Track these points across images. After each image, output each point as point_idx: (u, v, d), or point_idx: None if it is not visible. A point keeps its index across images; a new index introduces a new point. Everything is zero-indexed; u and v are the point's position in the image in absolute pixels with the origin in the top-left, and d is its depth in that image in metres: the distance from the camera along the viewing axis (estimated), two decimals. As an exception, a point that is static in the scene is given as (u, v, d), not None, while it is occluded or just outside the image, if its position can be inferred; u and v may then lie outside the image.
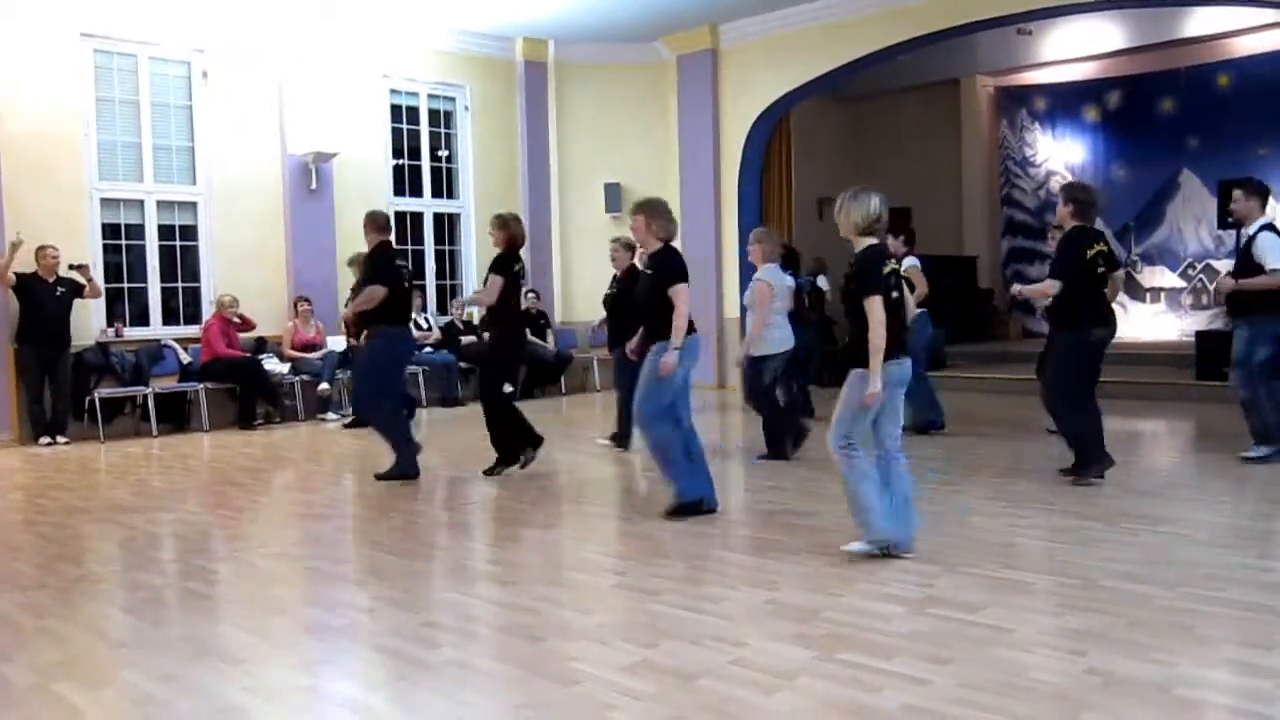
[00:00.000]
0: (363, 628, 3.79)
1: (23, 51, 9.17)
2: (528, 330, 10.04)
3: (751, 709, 2.92)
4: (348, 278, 9.89)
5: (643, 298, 5.43)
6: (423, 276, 12.20)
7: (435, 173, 12.31)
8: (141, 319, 10.08)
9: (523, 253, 6.88)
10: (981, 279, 15.32)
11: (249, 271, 10.49)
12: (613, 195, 12.87)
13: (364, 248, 7.24)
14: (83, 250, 9.41)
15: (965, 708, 2.88)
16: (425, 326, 11.38)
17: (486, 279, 6.75)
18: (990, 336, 14.86)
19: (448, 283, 12.49)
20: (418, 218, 12.15)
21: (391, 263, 6.76)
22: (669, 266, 5.31)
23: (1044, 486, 6.04)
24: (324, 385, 10.27)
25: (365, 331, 7.12)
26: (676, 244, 5.50)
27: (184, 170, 10.33)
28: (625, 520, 5.50)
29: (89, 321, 9.52)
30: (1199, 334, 11.06)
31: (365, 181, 11.38)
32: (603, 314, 8.61)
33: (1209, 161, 13.27)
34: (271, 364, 10.27)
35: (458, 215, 12.51)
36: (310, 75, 10.79)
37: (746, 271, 10.79)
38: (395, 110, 11.86)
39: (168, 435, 9.51)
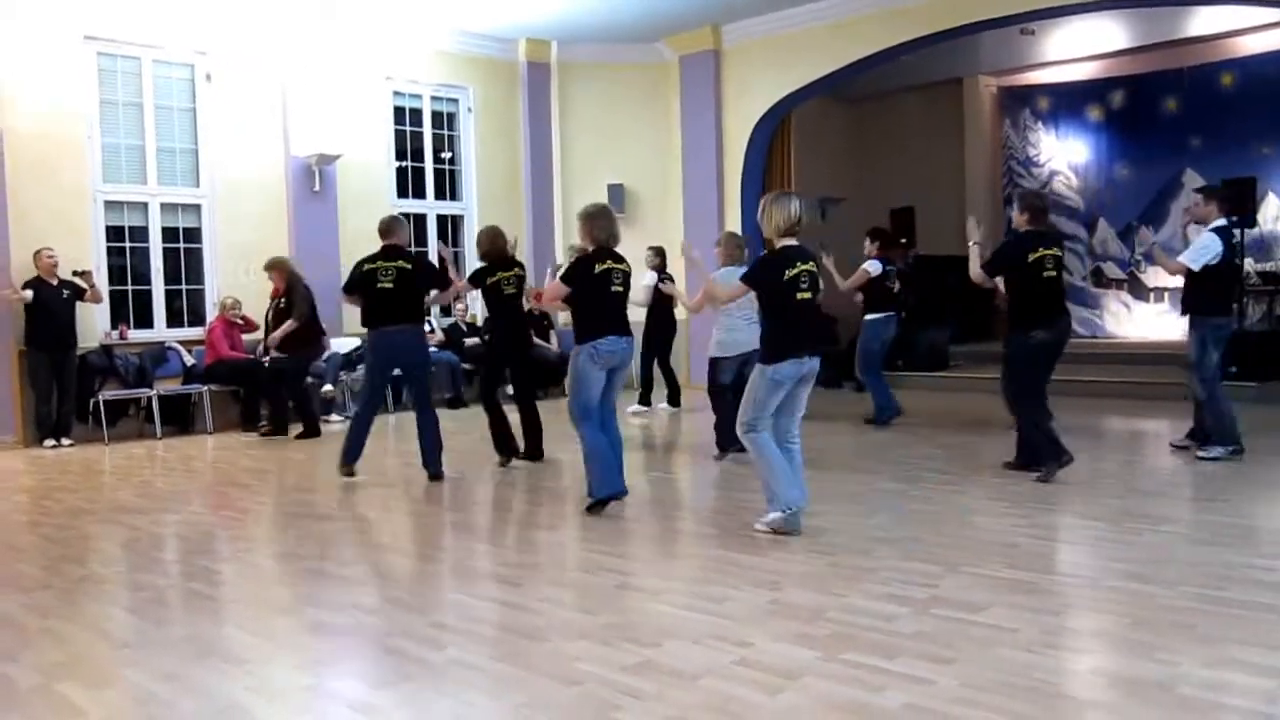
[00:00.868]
0: (366, 628, 3.79)
1: (26, 54, 9.19)
2: (532, 333, 10.11)
3: (755, 709, 2.92)
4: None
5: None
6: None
7: (438, 174, 12.32)
8: (145, 321, 10.10)
9: (524, 255, 6.93)
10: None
11: (252, 273, 10.49)
12: (615, 196, 12.86)
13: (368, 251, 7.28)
14: (86, 253, 9.43)
15: (968, 708, 2.87)
16: (429, 329, 11.37)
17: None
18: (992, 336, 14.82)
19: (451, 284, 12.48)
20: (421, 219, 12.15)
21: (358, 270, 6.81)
22: (570, 266, 5.73)
23: (1045, 486, 6.03)
24: (328, 387, 10.27)
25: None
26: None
27: (187, 173, 10.35)
28: (629, 520, 5.51)
29: (93, 324, 9.54)
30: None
31: (368, 183, 11.40)
32: None
33: (1212, 161, 13.24)
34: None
35: (461, 217, 12.52)
36: (313, 78, 10.81)
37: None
38: (398, 112, 11.87)
39: (171, 437, 9.53)
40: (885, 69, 12.69)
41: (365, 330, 6.91)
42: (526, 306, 7.69)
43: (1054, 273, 6.19)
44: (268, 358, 9.34)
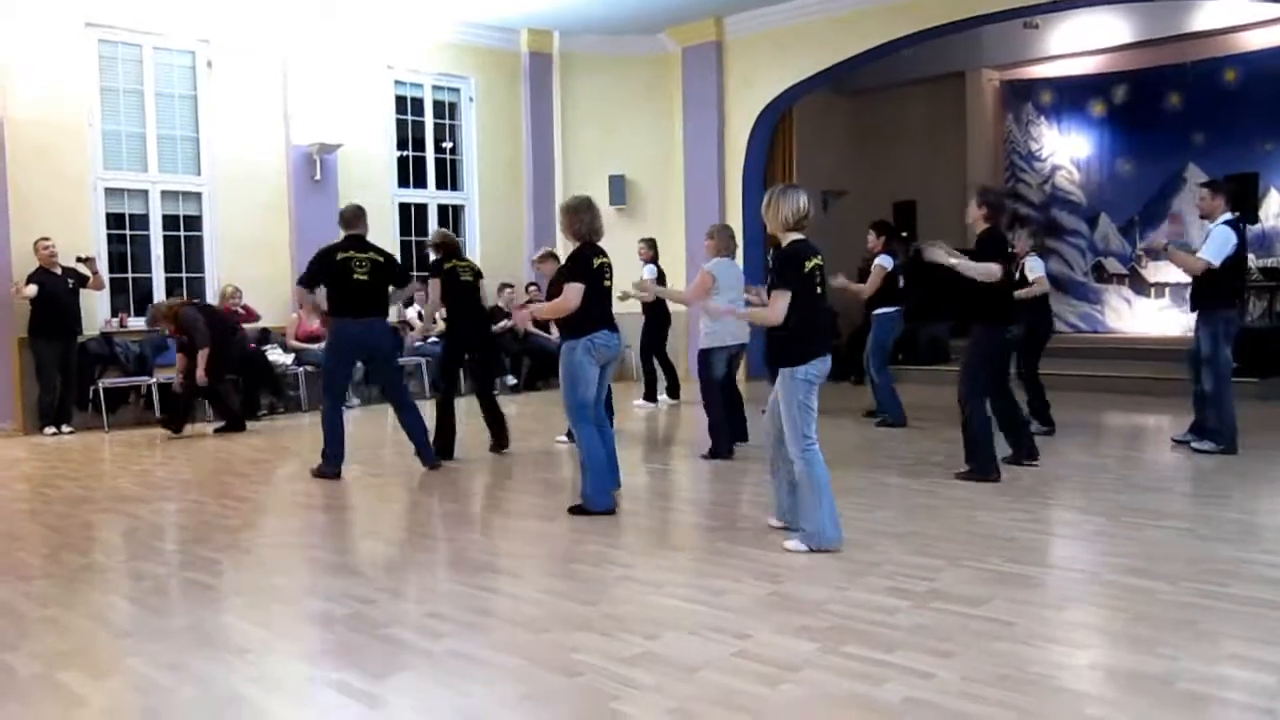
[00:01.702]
0: (366, 618, 3.79)
1: (27, 41, 9.17)
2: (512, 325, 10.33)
3: (755, 700, 2.93)
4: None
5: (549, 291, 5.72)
6: (426, 269, 12.18)
7: (439, 164, 12.30)
8: (146, 309, 10.07)
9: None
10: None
11: (253, 262, 10.49)
12: (617, 187, 12.85)
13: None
14: (87, 240, 9.42)
15: (968, 701, 2.88)
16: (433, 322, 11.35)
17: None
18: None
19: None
20: (422, 209, 12.14)
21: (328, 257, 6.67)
22: (570, 262, 5.55)
23: (1046, 481, 6.03)
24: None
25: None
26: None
27: (188, 160, 10.33)
28: (628, 512, 5.51)
29: (93, 311, 9.53)
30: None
31: (369, 173, 11.38)
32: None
33: (1215, 156, 13.21)
34: (275, 355, 10.28)
35: (462, 207, 12.50)
36: (315, 66, 10.78)
37: (749, 266, 10.81)
38: (400, 101, 11.85)
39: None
40: (888, 62, 12.67)
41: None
42: (518, 327, 7.72)
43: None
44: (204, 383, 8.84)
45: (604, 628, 3.58)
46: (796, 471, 4.59)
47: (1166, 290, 13.97)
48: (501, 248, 12.38)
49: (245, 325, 10.15)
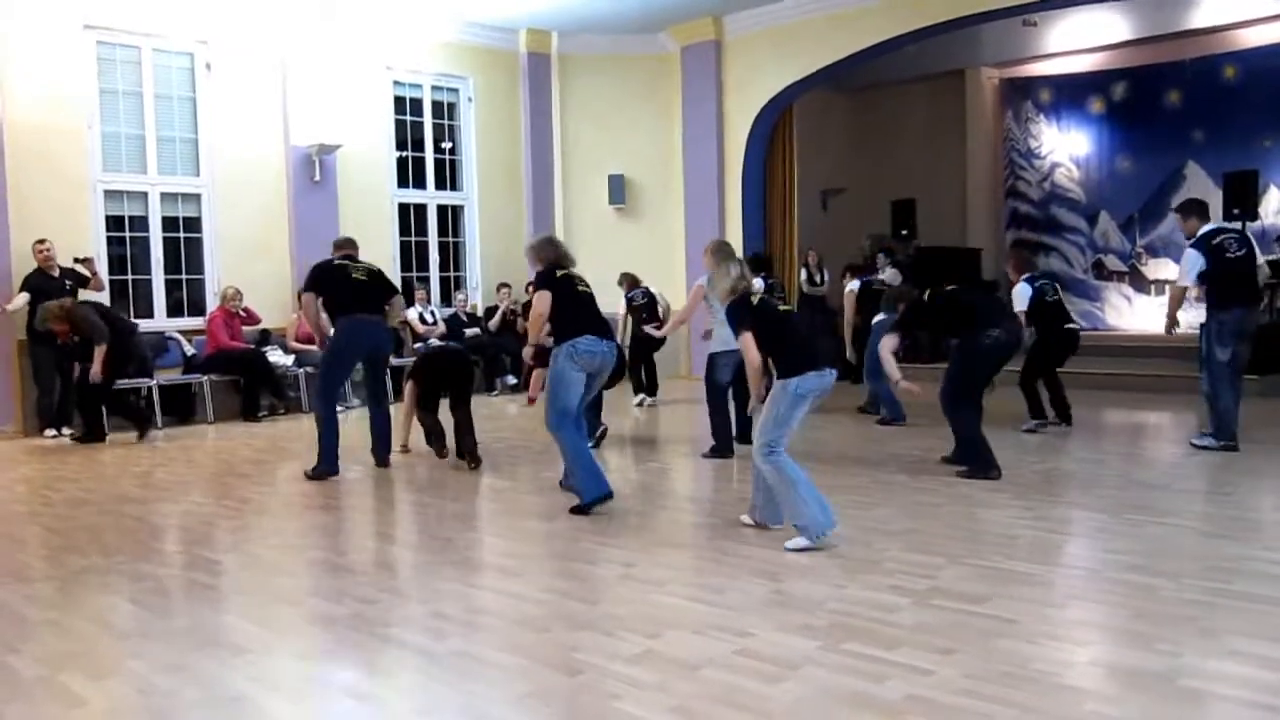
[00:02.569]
0: (367, 618, 3.79)
1: (26, 43, 9.17)
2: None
3: (756, 698, 2.93)
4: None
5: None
6: (426, 269, 12.21)
7: (439, 165, 12.30)
8: (145, 311, 10.09)
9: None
10: (986, 271, 15.29)
11: (253, 263, 10.50)
12: (616, 187, 12.85)
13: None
14: (86, 242, 9.41)
15: (969, 698, 2.88)
16: (430, 320, 11.37)
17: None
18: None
19: (451, 274, 12.48)
20: (421, 210, 12.14)
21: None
22: (536, 277, 5.77)
23: (1047, 478, 6.03)
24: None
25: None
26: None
27: (188, 162, 10.33)
28: (629, 511, 5.51)
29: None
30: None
31: (368, 173, 11.39)
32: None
33: (1214, 154, 13.23)
34: (275, 356, 10.28)
35: (461, 207, 12.50)
36: (313, 67, 10.78)
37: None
38: (399, 102, 11.85)
39: (172, 427, 9.53)
40: (887, 60, 12.67)
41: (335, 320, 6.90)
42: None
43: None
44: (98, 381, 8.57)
45: (605, 626, 3.58)
46: (766, 475, 4.70)
47: (1166, 288, 13.96)
48: (501, 248, 12.39)
49: (245, 328, 10.17)
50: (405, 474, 6.85)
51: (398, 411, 7.49)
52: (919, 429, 8.08)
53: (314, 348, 10.41)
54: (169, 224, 10.24)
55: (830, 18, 11.47)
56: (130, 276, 10.07)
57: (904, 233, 13.61)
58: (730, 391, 7.14)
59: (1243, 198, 11.43)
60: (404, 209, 11.96)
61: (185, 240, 10.36)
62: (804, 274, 13.14)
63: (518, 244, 12.48)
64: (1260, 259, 7.02)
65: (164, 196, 10.17)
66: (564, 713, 2.91)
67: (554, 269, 5.64)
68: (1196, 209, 7.13)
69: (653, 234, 12.76)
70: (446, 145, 12.41)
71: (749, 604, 3.80)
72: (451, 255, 12.50)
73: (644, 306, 10.37)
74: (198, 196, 10.36)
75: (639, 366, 10.42)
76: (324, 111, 10.76)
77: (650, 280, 10.72)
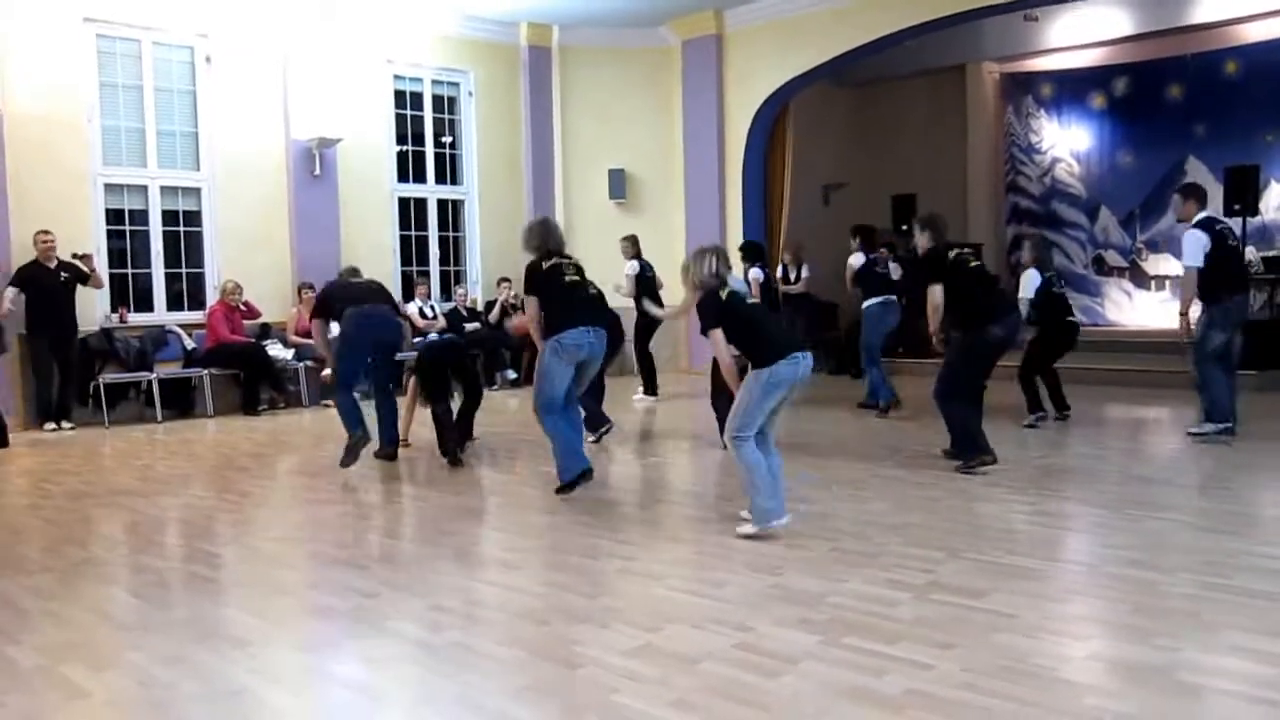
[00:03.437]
0: (367, 611, 3.79)
1: (26, 37, 9.15)
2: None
3: (755, 692, 2.93)
4: (352, 263, 9.84)
5: None
6: (426, 263, 12.20)
7: (439, 158, 12.29)
8: (145, 304, 10.09)
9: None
10: (986, 266, 15.28)
11: (253, 257, 10.49)
12: (616, 181, 12.84)
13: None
14: (86, 236, 9.41)
15: (969, 692, 2.88)
16: (430, 315, 11.37)
17: None
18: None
19: (451, 269, 12.48)
20: (421, 204, 12.13)
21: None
22: (524, 279, 5.80)
23: (1046, 473, 6.03)
24: (328, 371, 10.24)
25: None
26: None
27: (188, 155, 10.32)
28: (628, 505, 5.51)
29: (93, 307, 9.53)
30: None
31: (369, 167, 11.38)
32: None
33: (1215, 149, 13.20)
34: (275, 349, 10.28)
35: (461, 201, 12.49)
36: (314, 60, 10.77)
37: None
38: (399, 96, 11.83)
39: (172, 421, 9.54)
40: (888, 55, 12.64)
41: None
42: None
43: (978, 262, 6.58)
44: None
45: (604, 620, 3.59)
46: (732, 455, 4.75)
47: (1166, 283, 13.96)
48: (501, 242, 12.37)
49: (246, 321, 10.17)
50: (406, 467, 6.85)
51: (401, 406, 7.48)
52: (918, 424, 8.08)
53: (313, 341, 10.44)
54: (169, 218, 10.23)
55: (831, 12, 11.46)
56: (130, 270, 10.06)
57: (904, 228, 13.57)
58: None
59: (1243, 193, 11.41)
60: (404, 203, 11.95)
61: (185, 234, 10.35)
62: (780, 271, 12.62)
63: (518, 238, 12.45)
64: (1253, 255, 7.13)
65: (164, 190, 10.16)
66: (563, 705, 2.91)
67: (540, 261, 5.70)
68: (1196, 193, 7.13)
69: (654, 228, 12.71)
70: (447, 139, 12.40)
71: (749, 598, 3.80)
72: (452, 250, 12.49)
73: (652, 279, 10.09)
74: (198, 190, 10.35)
75: (644, 355, 10.18)
76: (324, 105, 10.75)
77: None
